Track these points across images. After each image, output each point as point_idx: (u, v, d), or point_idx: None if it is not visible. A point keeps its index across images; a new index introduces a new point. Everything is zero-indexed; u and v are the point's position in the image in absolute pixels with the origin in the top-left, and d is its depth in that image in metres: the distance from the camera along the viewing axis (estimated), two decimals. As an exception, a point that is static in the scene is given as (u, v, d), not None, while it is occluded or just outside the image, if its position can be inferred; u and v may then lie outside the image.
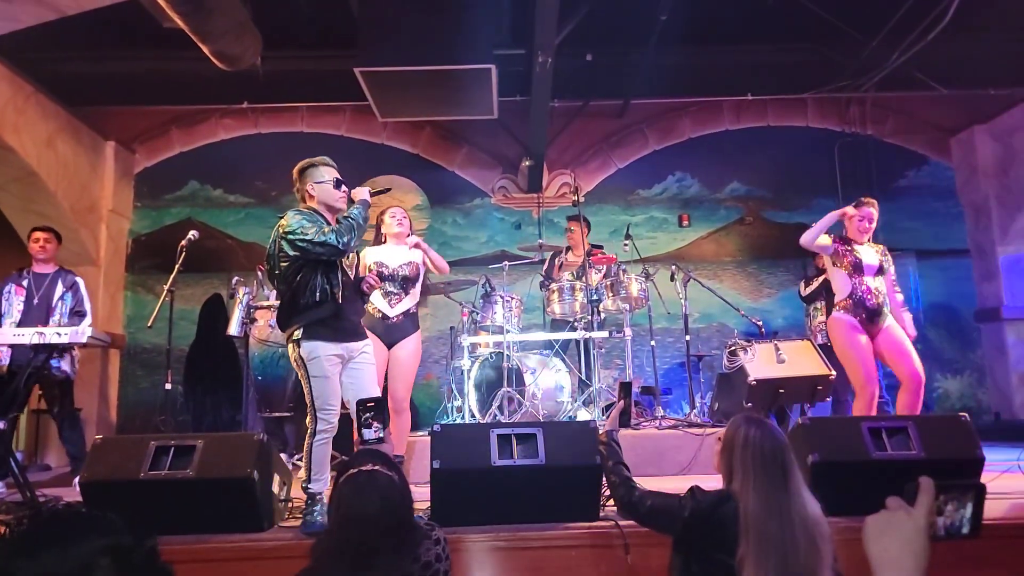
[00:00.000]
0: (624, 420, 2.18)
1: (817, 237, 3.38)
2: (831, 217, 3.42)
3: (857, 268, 3.32)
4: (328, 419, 2.53)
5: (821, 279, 4.69)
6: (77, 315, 3.83)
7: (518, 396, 3.99)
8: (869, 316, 3.27)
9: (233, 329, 4.02)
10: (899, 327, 3.33)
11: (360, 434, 1.68)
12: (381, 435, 1.68)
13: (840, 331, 3.31)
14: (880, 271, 3.35)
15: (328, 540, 1.23)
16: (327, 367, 2.52)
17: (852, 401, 3.52)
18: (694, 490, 1.72)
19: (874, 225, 3.42)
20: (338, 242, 2.46)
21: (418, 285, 3.50)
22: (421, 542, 1.32)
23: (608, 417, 2.20)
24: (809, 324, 4.91)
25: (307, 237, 2.46)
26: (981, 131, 5.97)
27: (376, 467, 1.28)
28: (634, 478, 1.99)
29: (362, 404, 1.69)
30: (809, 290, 4.82)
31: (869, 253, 3.38)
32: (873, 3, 4.82)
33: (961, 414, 2.47)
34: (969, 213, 6.13)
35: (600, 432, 2.17)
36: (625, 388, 2.30)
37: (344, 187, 2.63)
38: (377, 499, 1.22)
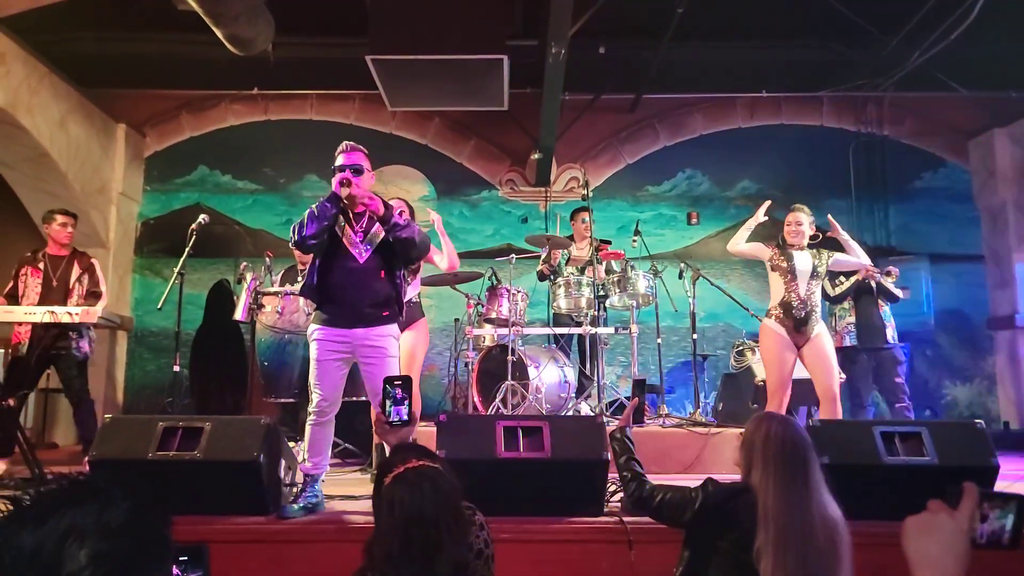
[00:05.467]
0: (637, 417, 2.17)
1: (740, 243, 3.59)
2: (750, 223, 3.63)
3: (791, 273, 3.42)
4: (316, 400, 2.56)
5: (852, 280, 4.67)
6: (93, 295, 3.85)
7: (521, 389, 3.98)
8: (796, 324, 3.38)
9: (239, 314, 4.03)
10: (828, 339, 3.43)
11: (385, 414, 1.65)
12: (406, 417, 1.63)
13: (766, 338, 3.45)
14: (814, 275, 3.44)
15: (388, 543, 1.19)
16: (321, 351, 2.55)
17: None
18: (707, 482, 1.72)
19: (805, 229, 3.50)
20: (292, 233, 2.52)
21: (419, 274, 3.50)
22: (469, 529, 1.31)
23: (622, 414, 2.19)
24: (834, 324, 4.87)
25: None
26: (1000, 134, 5.88)
27: (421, 462, 1.26)
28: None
29: (388, 382, 1.66)
30: (838, 291, 4.77)
31: (803, 258, 3.47)
32: (894, 1, 4.74)
33: (976, 421, 2.44)
34: (985, 218, 6.05)
35: (614, 429, 2.16)
36: (639, 385, 2.29)
37: (347, 171, 2.52)
38: (432, 495, 1.20)
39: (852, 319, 4.75)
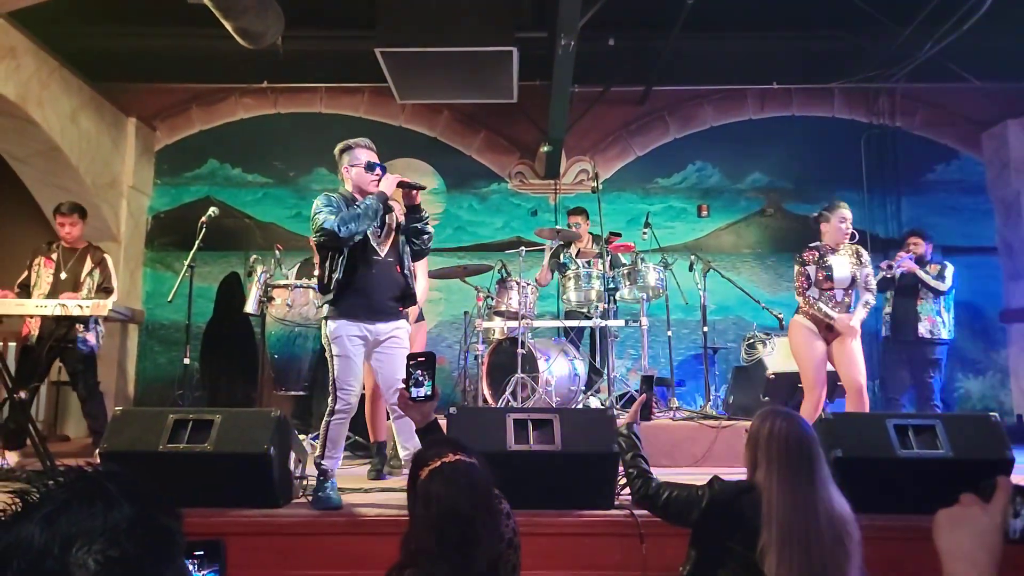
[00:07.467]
0: (645, 414, 2.16)
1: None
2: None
3: (829, 280, 3.38)
4: (346, 399, 2.56)
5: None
6: (104, 291, 3.87)
7: (531, 382, 3.98)
8: (828, 325, 3.36)
9: (250, 307, 4.05)
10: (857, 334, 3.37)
11: (408, 391, 1.66)
12: (430, 392, 1.65)
13: (797, 334, 3.41)
14: (853, 282, 3.37)
15: (425, 539, 1.17)
16: (348, 347, 2.55)
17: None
18: (713, 480, 1.70)
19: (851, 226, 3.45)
20: (339, 230, 2.46)
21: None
22: (500, 519, 1.30)
23: (630, 410, 2.18)
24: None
25: (316, 222, 2.49)
26: (1014, 125, 5.78)
27: (457, 456, 1.25)
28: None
29: (411, 358, 1.68)
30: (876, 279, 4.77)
31: (842, 265, 3.38)
32: (908, -10, 4.66)
33: (991, 413, 2.42)
34: (999, 210, 5.97)
35: (621, 425, 2.15)
36: (647, 381, 2.27)
37: (378, 170, 2.63)
38: (468, 490, 1.19)
39: (889, 310, 4.75)
